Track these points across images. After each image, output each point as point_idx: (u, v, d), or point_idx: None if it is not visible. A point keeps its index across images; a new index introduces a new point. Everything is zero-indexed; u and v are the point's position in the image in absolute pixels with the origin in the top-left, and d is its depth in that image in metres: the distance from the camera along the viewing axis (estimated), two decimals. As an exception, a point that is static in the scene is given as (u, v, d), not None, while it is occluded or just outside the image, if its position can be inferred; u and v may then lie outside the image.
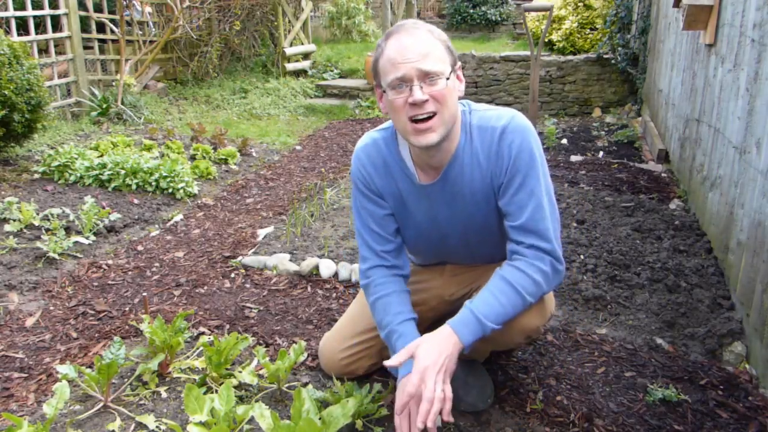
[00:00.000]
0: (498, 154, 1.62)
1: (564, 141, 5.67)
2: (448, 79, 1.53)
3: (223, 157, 4.98)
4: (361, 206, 1.79)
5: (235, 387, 1.91)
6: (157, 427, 1.74)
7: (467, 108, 1.69)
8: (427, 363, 1.48)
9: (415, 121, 1.53)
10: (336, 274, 2.84)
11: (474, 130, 1.65)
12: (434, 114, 1.52)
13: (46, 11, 5.79)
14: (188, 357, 2.13)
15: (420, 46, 1.50)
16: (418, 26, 1.55)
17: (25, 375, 2.09)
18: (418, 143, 1.55)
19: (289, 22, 8.63)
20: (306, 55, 8.97)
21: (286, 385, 1.96)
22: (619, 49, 6.68)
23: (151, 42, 6.99)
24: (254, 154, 5.40)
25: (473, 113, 1.68)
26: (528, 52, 7.13)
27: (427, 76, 1.50)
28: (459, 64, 1.61)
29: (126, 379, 1.99)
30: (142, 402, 1.88)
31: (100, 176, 4.08)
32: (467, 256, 1.89)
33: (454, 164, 1.66)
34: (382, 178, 1.74)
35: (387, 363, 1.56)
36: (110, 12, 6.75)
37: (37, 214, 3.40)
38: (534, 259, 1.60)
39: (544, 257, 1.60)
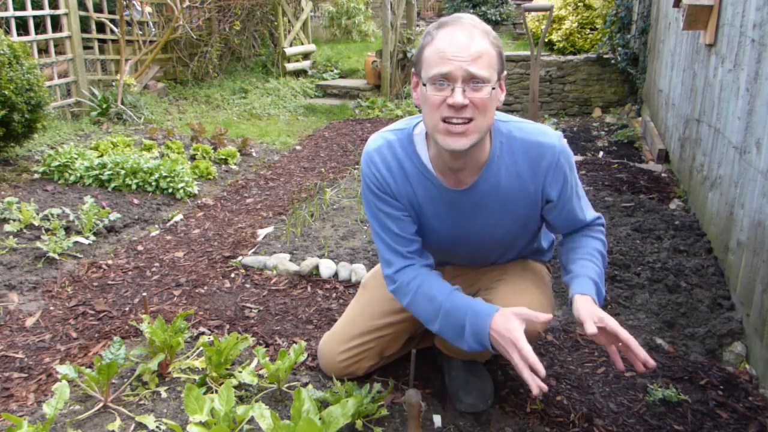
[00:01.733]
0: (549, 172, 1.61)
1: (564, 141, 5.66)
2: (493, 88, 1.43)
3: (223, 157, 4.99)
4: (378, 209, 1.68)
5: (235, 387, 1.91)
6: (157, 427, 1.74)
7: (502, 118, 1.63)
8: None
9: (448, 121, 1.45)
10: (336, 274, 2.84)
11: (515, 142, 1.60)
12: (470, 120, 1.43)
13: (46, 11, 5.79)
14: (188, 357, 2.13)
15: (474, 46, 1.41)
16: (475, 24, 1.47)
17: (25, 375, 2.09)
18: (446, 145, 1.47)
19: (289, 22, 8.63)
20: (306, 55, 8.97)
21: (286, 385, 1.96)
22: (619, 49, 6.68)
23: (151, 42, 6.99)
24: (254, 154, 5.41)
25: (509, 123, 1.62)
26: (528, 52, 7.13)
27: (472, 80, 1.40)
28: (505, 73, 1.52)
29: (126, 379, 1.99)
30: (142, 402, 1.88)
31: (100, 176, 4.08)
32: (470, 260, 1.89)
33: (488, 174, 1.60)
34: (398, 182, 1.65)
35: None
36: (110, 12, 6.75)
37: (37, 214, 3.40)
38: (596, 232, 1.77)
39: (600, 229, 1.79)
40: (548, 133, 1.62)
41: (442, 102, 1.43)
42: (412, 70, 1.56)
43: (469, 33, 1.43)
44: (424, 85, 1.46)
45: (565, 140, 1.68)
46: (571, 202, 1.69)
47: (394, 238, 1.68)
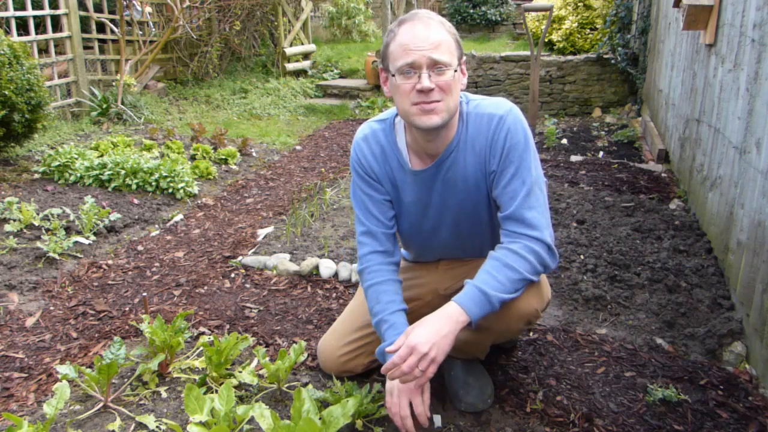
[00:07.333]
0: (493, 141, 1.66)
1: (564, 141, 5.66)
2: (455, 71, 1.57)
3: (223, 157, 4.99)
4: (361, 191, 1.82)
5: (235, 387, 1.91)
6: (157, 427, 1.74)
7: (464, 99, 1.74)
8: (418, 341, 1.50)
9: (418, 104, 1.57)
10: (336, 274, 2.84)
11: (470, 118, 1.70)
12: (439, 101, 1.57)
13: (46, 11, 5.79)
14: (188, 357, 2.13)
15: (432, 36, 1.55)
16: (431, 16, 1.60)
17: (25, 375, 2.09)
18: (421, 124, 1.59)
19: (289, 22, 8.63)
20: (306, 55, 8.97)
21: (286, 385, 1.96)
22: (619, 49, 6.68)
23: (151, 42, 6.99)
24: (254, 154, 5.41)
25: (470, 102, 1.73)
26: (528, 52, 7.13)
27: (435, 66, 1.54)
28: (464, 58, 1.65)
29: (126, 379, 1.99)
30: (142, 402, 1.88)
31: (100, 176, 4.08)
32: (458, 248, 1.90)
33: (449, 152, 1.71)
34: (380, 166, 1.79)
35: (387, 348, 1.57)
36: (110, 12, 6.75)
37: (37, 214, 3.40)
38: (527, 241, 1.61)
39: (536, 242, 1.62)
40: (499, 106, 1.69)
41: (411, 89, 1.56)
42: (380, 66, 1.68)
43: (427, 24, 1.57)
44: (393, 76, 1.60)
45: (518, 116, 1.66)
46: (516, 182, 1.63)
47: (371, 219, 1.81)
